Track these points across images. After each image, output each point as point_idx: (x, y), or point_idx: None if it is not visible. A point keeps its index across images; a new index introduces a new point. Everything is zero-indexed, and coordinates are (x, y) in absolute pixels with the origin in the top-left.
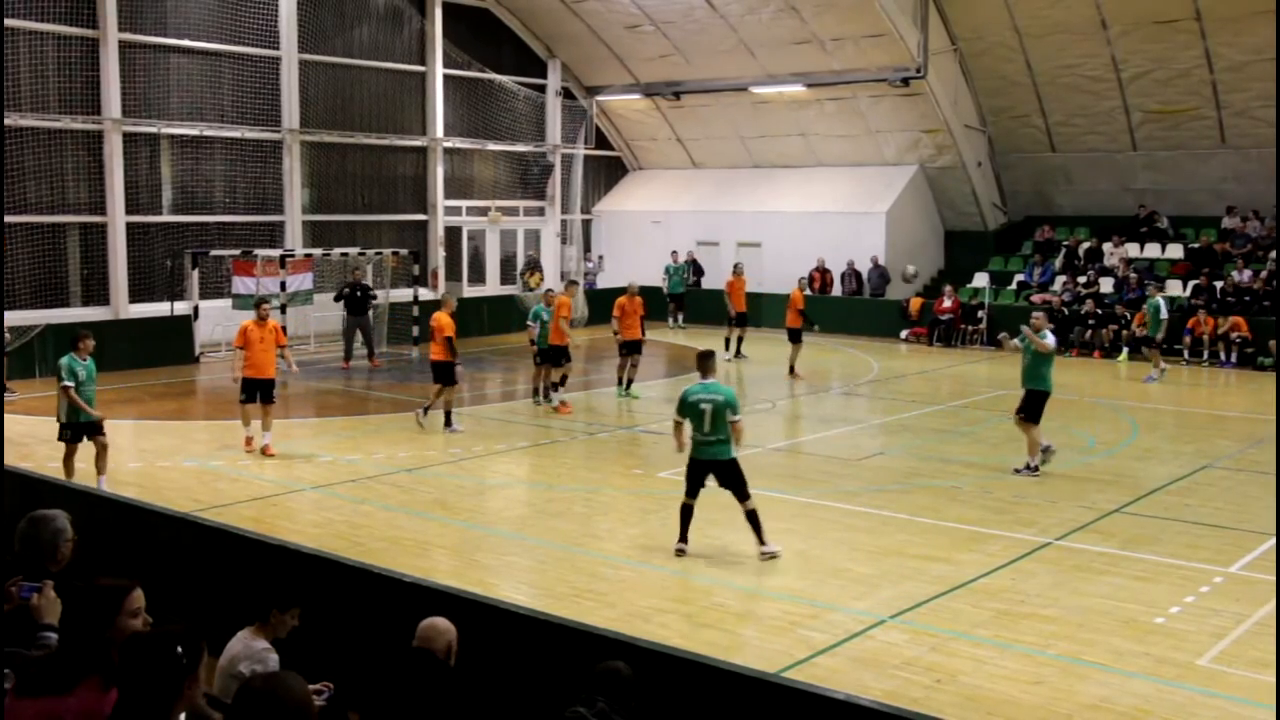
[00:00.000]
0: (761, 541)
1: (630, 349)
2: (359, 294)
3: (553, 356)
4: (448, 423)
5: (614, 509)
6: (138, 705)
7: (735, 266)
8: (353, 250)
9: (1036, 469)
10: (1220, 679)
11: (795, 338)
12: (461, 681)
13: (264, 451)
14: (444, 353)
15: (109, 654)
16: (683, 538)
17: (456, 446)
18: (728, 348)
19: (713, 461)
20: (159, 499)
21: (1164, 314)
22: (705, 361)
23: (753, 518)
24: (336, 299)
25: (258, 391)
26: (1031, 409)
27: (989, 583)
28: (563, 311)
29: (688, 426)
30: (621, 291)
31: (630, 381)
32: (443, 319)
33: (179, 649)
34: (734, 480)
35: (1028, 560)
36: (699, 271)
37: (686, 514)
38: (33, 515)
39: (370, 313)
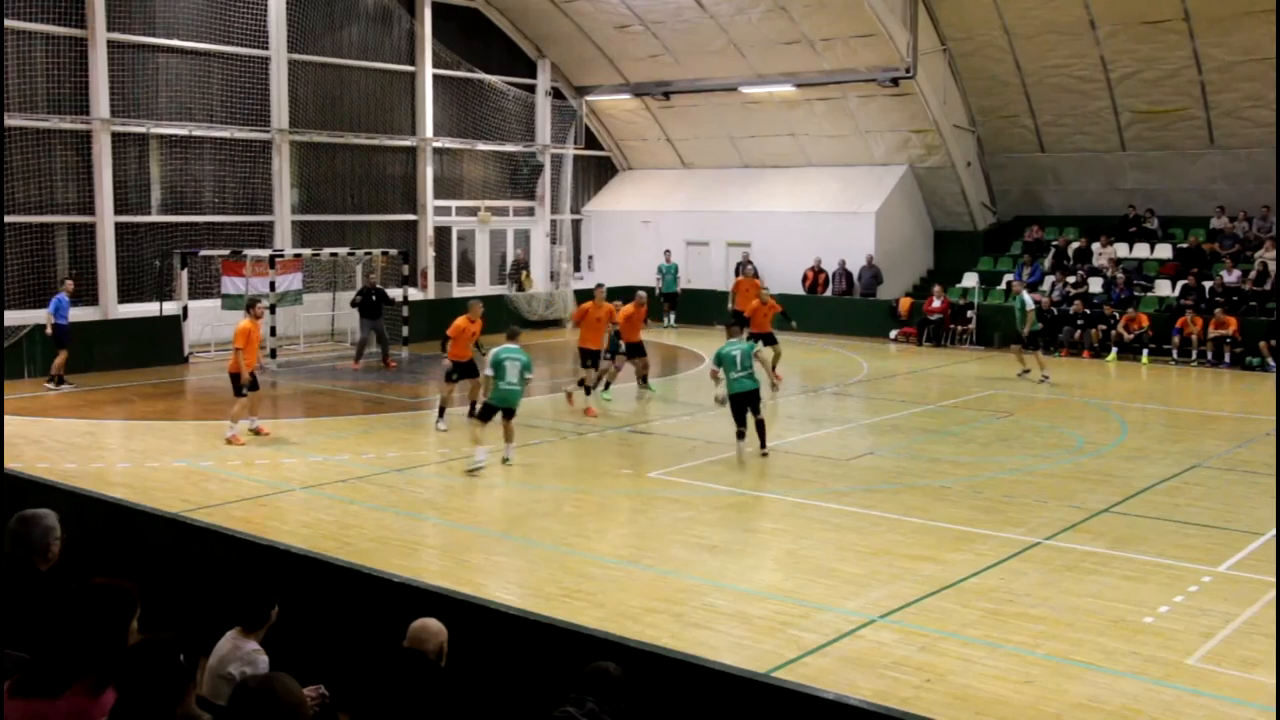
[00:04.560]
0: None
1: (633, 351)
2: (374, 298)
3: (590, 357)
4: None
5: (603, 509)
6: (140, 711)
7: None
8: (342, 250)
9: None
10: (1209, 678)
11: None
12: (452, 682)
13: (259, 431)
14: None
15: (102, 657)
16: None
17: (446, 446)
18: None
19: (505, 407)
20: (148, 499)
21: (1029, 307)
22: (512, 331)
23: (508, 432)
24: (353, 304)
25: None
26: None
27: (978, 582)
28: (598, 314)
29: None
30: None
31: (645, 378)
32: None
33: (181, 656)
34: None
35: (1017, 560)
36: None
37: (486, 414)
38: (23, 514)
39: (382, 316)
